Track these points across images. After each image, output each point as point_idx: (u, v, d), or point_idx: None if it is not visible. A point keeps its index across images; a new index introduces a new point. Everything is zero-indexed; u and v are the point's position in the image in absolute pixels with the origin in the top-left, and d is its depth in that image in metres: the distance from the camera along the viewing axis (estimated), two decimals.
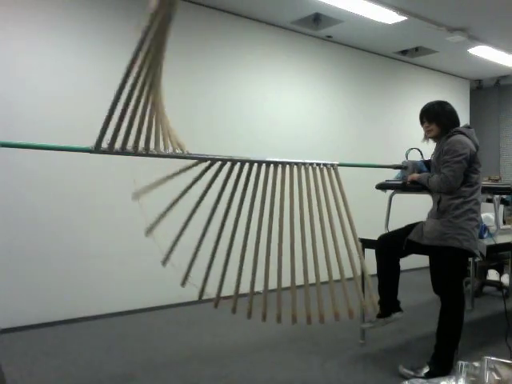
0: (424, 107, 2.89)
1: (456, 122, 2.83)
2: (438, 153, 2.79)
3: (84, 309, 3.94)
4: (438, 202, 2.74)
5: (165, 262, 2.09)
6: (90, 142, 1.82)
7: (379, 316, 2.90)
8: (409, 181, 2.95)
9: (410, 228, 2.84)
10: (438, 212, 2.71)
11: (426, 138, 2.91)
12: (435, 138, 2.88)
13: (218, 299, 2.18)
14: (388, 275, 2.90)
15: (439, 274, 2.72)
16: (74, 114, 3.92)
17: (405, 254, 2.86)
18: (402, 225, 2.92)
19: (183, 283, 2.13)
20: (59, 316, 3.82)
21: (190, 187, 2.02)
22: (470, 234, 2.65)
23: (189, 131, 4.64)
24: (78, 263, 3.95)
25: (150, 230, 2.05)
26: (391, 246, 2.88)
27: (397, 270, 2.90)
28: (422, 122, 2.90)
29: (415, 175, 2.92)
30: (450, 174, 2.63)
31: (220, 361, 3.03)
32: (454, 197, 2.68)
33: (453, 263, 2.68)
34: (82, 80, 4.00)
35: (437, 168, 2.76)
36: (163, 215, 2.04)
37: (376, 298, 2.43)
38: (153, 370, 2.89)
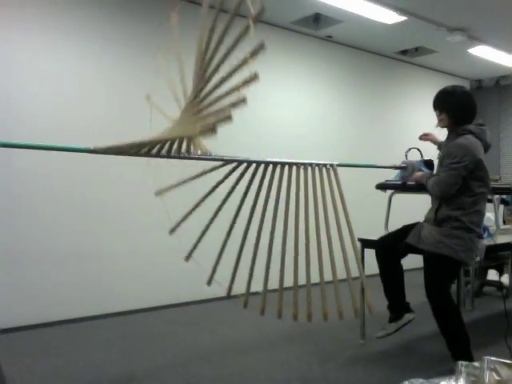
0: (437, 93, 2.72)
1: (467, 116, 2.65)
2: (444, 154, 2.69)
3: (84, 309, 3.94)
4: (435, 210, 2.66)
5: (188, 258, 2.14)
6: (91, 142, 1.82)
7: (391, 320, 2.87)
8: (413, 180, 2.88)
9: (406, 229, 2.81)
10: (436, 221, 2.64)
11: (439, 125, 2.76)
12: (448, 128, 2.73)
13: (247, 298, 2.19)
14: (391, 278, 2.87)
15: (429, 279, 2.67)
16: (75, 115, 3.92)
17: (404, 255, 2.85)
18: (401, 224, 2.91)
19: (209, 283, 2.15)
20: (59, 316, 3.82)
21: (216, 187, 2.06)
22: (466, 245, 2.58)
23: None
24: (77, 263, 3.95)
25: (173, 230, 2.07)
26: (390, 249, 2.84)
27: (399, 271, 2.87)
28: (434, 109, 2.74)
29: (417, 174, 2.84)
30: (443, 180, 2.56)
31: (220, 361, 3.03)
32: (454, 208, 2.59)
33: (444, 271, 2.65)
34: (83, 80, 4.00)
35: (438, 167, 2.71)
36: (187, 215, 2.06)
37: (370, 298, 2.39)
38: (153, 370, 2.89)
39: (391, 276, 2.87)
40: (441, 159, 2.72)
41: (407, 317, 2.84)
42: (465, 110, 2.66)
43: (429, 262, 2.69)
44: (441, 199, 2.64)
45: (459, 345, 2.65)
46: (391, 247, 2.84)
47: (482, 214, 2.67)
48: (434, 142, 3.00)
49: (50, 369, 2.89)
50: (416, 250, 2.75)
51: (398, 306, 2.86)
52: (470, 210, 2.59)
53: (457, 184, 2.55)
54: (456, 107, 2.64)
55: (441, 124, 2.73)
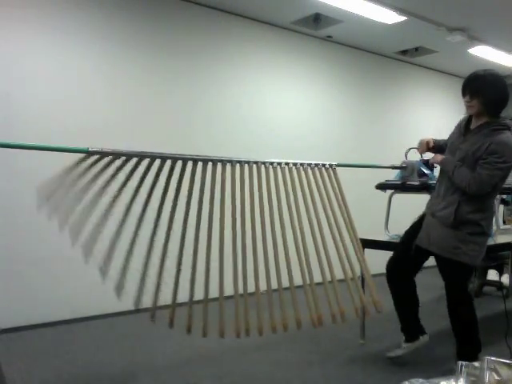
0: (468, 77, 2.51)
1: (503, 106, 2.44)
2: (479, 145, 2.41)
3: (84, 309, 3.93)
4: (455, 210, 2.45)
5: (104, 276, 2.06)
6: (91, 142, 1.83)
7: (407, 341, 2.84)
8: (431, 162, 2.77)
9: (409, 237, 2.75)
10: (455, 221, 2.46)
11: (468, 113, 2.56)
12: (479, 117, 2.50)
13: (154, 310, 2.12)
14: (406, 302, 2.81)
15: (449, 285, 2.63)
16: (75, 115, 3.92)
17: (417, 268, 2.78)
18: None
19: (119, 295, 2.07)
20: (59, 316, 3.82)
21: (107, 184, 1.96)
22: (480, 250, 2.53)
23: (188, 131, 4.65)
24: (77, 263, 3.93)
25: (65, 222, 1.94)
26: (401, 270, 2.77)
27: (413, 294, 2.80)
28: (463, 94, 2.50)
29: (438, 157, 2.64)
30: (484, 179, 2.36)
31: (220, 361, 3.03)
32: (475, 209, 2.45)
33: (462, 276, 2.60)
34: (83, 80, 4.00)
35: (467, 159, 2.44)
36: (88, 210, 1.97)
37: (377, 296, 2.41)
38: (153, 370, 2.89)
39: (406, 301, 2.80)
40: (473, 151, 2.43)
41: (423, 339, 2.82)
42: (502, 99, 2.45)
43: (444, 267, 2.61)
44: (467, 196, 2.45)
45: (470, 348, 2.61)
46: (401, 268, 2.77)
47: (494, 215, 2.63)
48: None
49: (50, 369, 2.89)
50: (428, 253, 2.65)
51: (413, 328, 2.83)
52: (489, 213, 2.52)
53: (495, 184, 2.41)
54: (493, 95, 2.43)
55: (470, 111, 2.52)
